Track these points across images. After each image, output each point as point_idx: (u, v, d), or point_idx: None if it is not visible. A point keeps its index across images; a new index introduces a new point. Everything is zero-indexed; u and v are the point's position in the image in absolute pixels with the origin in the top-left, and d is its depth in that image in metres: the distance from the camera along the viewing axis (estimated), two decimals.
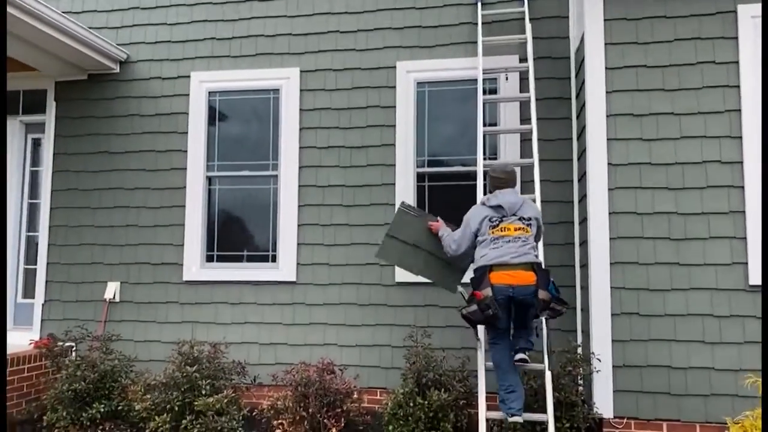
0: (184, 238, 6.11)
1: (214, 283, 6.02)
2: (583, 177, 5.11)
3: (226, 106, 6.29)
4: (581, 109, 5.17)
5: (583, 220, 5.09)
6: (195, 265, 6.06)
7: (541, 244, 4.52)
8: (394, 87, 5.91)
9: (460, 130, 5.86)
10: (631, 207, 4.74)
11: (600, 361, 4.55)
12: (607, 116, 4.83)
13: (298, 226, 5.94)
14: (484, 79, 5.55)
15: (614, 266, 4.71)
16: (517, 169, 5.19)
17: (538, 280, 3.93)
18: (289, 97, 6.09)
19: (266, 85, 6.17)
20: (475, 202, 5.03)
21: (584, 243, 5.05)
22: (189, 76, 6.30)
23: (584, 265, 5.05)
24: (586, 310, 4.94)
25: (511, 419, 4.03)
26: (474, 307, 3.95)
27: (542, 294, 3.89)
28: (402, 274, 5.63)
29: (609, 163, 4.79)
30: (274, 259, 5.99)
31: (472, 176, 5.67)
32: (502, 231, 4.09)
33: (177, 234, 6.14)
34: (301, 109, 6.06)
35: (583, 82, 5.02)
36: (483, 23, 5.69)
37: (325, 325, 5.78)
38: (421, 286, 5.62)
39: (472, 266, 4.25)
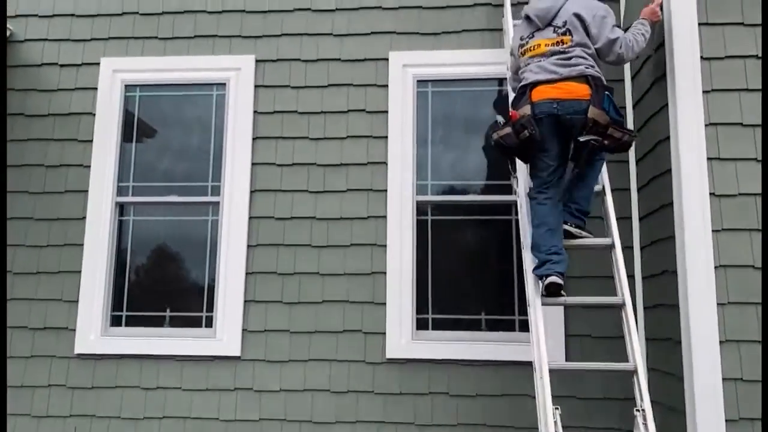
0: (80, 290, 4.22)
1: (120, 358, 4.13)
2: (656, 179, 3.57)
3: (150, 105, 4.53)
4: (653, 87, 3.67)
5: (653, 242, 3.54)
6: (94, 331, 4.17)
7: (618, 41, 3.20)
8: (386, 86, 4.30)
9: (478, 146, 4.29)
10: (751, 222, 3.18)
11: None
12: (704, 92, 3.29)
13: (247, 274, 4.17)
14: (501, 78, 4.12)
15: (726, 344, 3.14)
16: None
17: (592, 96, 3.03)
18: (239, 95, 4.38)
19: (208, 77, 4.45)
20: (505, 242, 3.88)
21: (656, 276, 3.49)
22: (98, 63, 4.52)
23: (667, 339, 3.48)
24: (674, 408, 3.34)
25: (547, 280, 3.05)
26: (507, 129, 3.14)
27: (593, 112, 2.98)
28: (395, 348, 3.94)
29: (710, 158, 3.24)
30: (209, 322, 4.18)
31: (498, 208, 4.12)
32: (532, 50, 3.28)
33: (70, 285, 4.25)
34: (255, 112, 4.36)
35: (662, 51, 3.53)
36: (510, 5, 4.15)
37: (282, 422, 3.96)
38: (424, 364, 3.93)
39: None
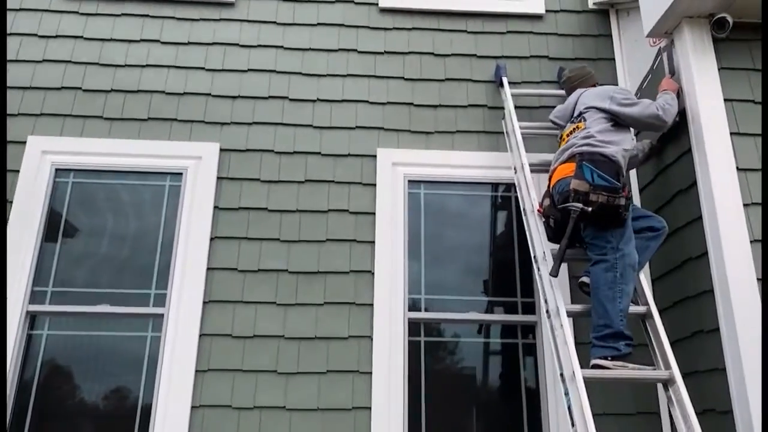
0: None
1: None
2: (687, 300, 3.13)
3: (85, 194, 3.74)
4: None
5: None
6: None
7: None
8: (374, 184, 3.78)
9: (479, 256, 3.78)
10: None
11: None
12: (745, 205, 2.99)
13: (193, 408, 3.28)
14: (499, 184, 3.86)
15: None
16: None
17: (576, 171, 2.99)
18: (197, 186, 3.71)
19: (161, 165, 3.77)
20: (513, 370, 3.46)
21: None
22: (24, 142, 3.75)
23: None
24: None
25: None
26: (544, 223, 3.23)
27: (573, 183, 2.95)
28: None
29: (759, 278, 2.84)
30: None
31: (507, 330, 3.55)
32: (560, 145, 3.34)
33: None
34: (216, 207, 3.68)
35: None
36: (513, 107, 3.80)
37: None
38: None
39: None
